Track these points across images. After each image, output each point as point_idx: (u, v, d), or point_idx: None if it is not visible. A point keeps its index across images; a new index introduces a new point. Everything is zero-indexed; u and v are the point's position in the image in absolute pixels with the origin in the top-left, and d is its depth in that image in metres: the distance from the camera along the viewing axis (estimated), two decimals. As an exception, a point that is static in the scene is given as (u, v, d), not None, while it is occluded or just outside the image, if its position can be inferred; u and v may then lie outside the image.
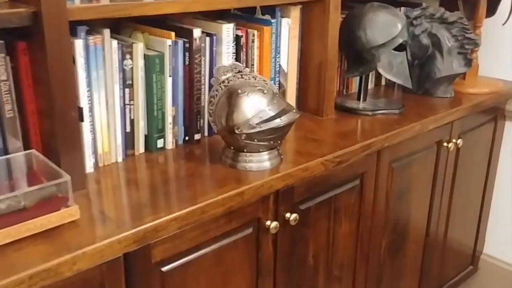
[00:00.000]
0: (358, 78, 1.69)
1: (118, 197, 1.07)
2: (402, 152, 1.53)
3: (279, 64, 1.48)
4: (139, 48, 1.18)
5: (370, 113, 1.57)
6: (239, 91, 1.15)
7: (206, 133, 1.38)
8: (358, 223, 1.47)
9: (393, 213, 1.58)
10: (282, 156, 1.23)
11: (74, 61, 1.07)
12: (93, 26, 1.13)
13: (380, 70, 1.56)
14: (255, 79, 1.20)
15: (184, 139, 1.33)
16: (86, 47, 1.09)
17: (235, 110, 1.15)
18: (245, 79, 1.20)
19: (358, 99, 1.65)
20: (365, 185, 1.44)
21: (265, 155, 1.19)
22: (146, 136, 1.27)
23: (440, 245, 1.88)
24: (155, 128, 1.26)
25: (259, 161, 1.19)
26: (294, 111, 1.18)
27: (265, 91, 1.16)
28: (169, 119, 1.27)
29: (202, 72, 1.30)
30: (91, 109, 1.13)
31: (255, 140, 1.16)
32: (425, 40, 1.72)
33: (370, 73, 1.69)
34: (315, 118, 1.53)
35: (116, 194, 1.08)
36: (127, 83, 1.19)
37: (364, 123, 1.52)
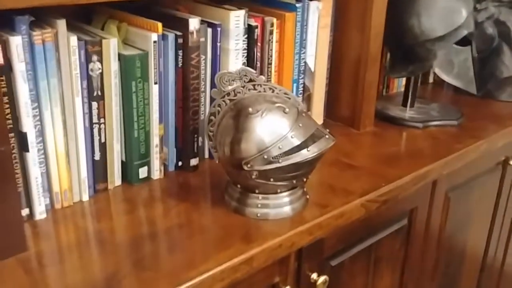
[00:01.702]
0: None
1: (77, 269, 0.74)
2: (461, 177, 1.18)
3: (305, 62, 1.13)
4: (112, 45, 0.85)
5: (420, 125, 1.22)
6: (250, 109, 0.81)
7: (206, 155, 1.04)
8: (403, 271, 1.13)
9: (445, 253, 1.25)
10: (307, 196, 0.90)
11: (10, 68, 0.74)
12: (42, 15, 0.79)
13: (437, 70, 1.20)
14: (273, 91, 0.86)
15: (176, 164, 1.00)
16: (30, 46, 0.76)
17: (244, 136, 0.81)
18: (259, 91, 0.86)
19: (404, 105, 1.29)
20: (414, 224, 1.10)
21: (285, 198, 0.85)
22: (123, 163, 0.94)
23: (495, 280, 1.54)
24: (136, 153, 0.93)
25: (277, 206, 0.85)
26: (327, 136, 0.84)
27: (287, 110, 0.82)
28: (155, 140, 0.94)
29: (202, 77, 0.96)
30: (41, 133, 0.81)
31: (271, 179, 0.82)
32: (490, 29, 1.35)
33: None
34: (349, 132, 1.19)
35: (73, 262, 0.75)
36: (94, 95, 0.85)
37: (413, 140, 1.17)
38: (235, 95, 0.86)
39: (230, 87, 0.86)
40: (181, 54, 0.92)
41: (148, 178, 0.96)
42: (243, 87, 0.85)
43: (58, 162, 0.84)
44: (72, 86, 0.82)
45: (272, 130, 0.80)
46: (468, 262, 1.36)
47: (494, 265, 1.49)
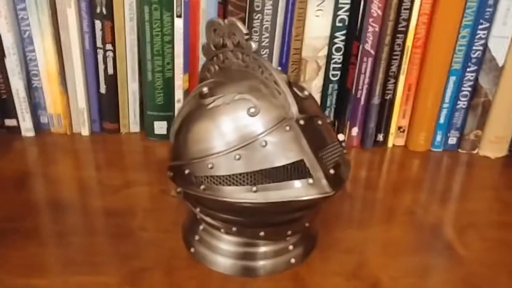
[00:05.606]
0: None
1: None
2: None
3: (484, 45, 0.65)
4: (125, -49, 0.63)
5: None
6: (205, 89, 0.49)
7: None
8: None
9: None
10: (293, 259, 0.53)
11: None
12: None
13: None
14: (262, 72, 0.49)
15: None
16: None
17: (182, 126, 0.51)
18: (246, 65, 0.51)
19: None
20: None
21: (233, 244, 0.52)
22: (142, 107, 0.75)
23: None
24: (151, 101, 0.72)
25: (217, 251, 0.53)
26: (314, 181, 0.45)
27: (253, 110, 0.46)
28: (176, 93, 0.71)
29: (259, 26, 0.65)
30: (31, 41, 0.68)
31: (197, 209, 0.51)
32: None
33: None
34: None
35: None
36: (97, 12, 0.67)
37: None
38: (223, 61, 0.54)
39: (220, 46, 0.54)
40: (223, -18, 0.63)
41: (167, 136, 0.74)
42: (232, 51, 0.52)
43: (50, 81, 0.71)
44: (65, -4, 0.65)
45: (210, 135, 0.48)
46: None
47: None
